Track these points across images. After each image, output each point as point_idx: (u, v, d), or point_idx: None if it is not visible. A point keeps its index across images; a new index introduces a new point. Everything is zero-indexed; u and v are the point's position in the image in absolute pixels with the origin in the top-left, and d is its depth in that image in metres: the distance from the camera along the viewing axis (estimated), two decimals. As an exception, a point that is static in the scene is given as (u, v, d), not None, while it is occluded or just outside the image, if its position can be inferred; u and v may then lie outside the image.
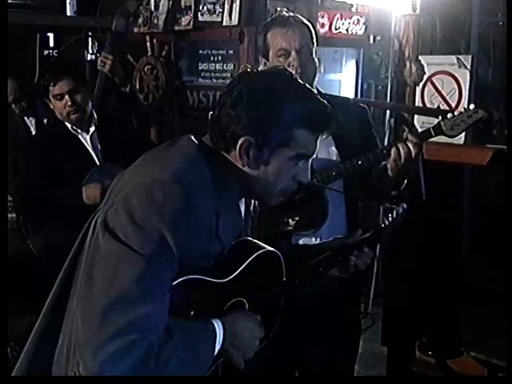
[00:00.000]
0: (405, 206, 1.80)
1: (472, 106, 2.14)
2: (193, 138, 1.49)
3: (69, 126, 3.01)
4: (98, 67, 3.39)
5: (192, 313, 1.42)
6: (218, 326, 1.43)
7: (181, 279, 1.37)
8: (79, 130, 3.01)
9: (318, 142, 1.50)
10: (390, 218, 1.80)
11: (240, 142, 1.42)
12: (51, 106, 3.03)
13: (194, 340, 1.38)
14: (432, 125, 2.20)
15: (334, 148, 2.30)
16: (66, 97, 2.93)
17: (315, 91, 1.51)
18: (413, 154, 2.12)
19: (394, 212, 1.80)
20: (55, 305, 1.52)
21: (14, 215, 3.48)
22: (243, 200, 1.60)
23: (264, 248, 1.60)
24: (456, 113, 2.15)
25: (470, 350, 3.05)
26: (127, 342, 1.25)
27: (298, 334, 2.33)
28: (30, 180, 2.98)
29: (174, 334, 1.33)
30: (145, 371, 1.28)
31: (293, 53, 2.23)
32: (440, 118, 2.16)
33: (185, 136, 1.50)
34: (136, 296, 1.28)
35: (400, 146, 2.12)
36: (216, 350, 1.42)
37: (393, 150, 2.12)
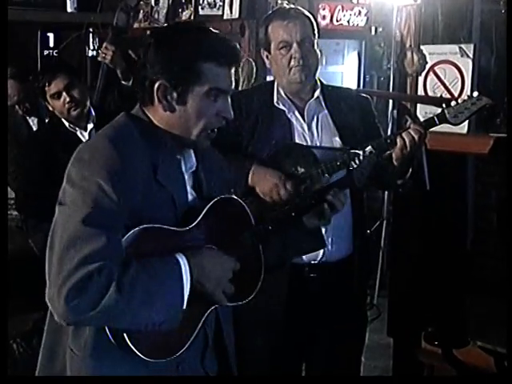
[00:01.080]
0: (371, 148, 1.91)
1: (476, 94, 2.14)
2: (125, 112, 1.61)
3: (66, 124, 3.01)
4: (100, 58, 3.39)
5: None
6: (180, 257, 1.47)
7: (137, 228, 1.44)
8: (77, 128, 3.01)
9: (232, 77, 1.56)
10: (357, 161, 1.87)
11: (155, 87, 1.52)
12: (50, 108, 3.03)
13: (157, 270, 1.43)
14: (436, 113, 2.20)
15: (337, 138, 2.31)
16: (64, 94, 2.93)
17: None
18: (417, 143, 2.12)
19: (361, 155, 1.90)
20: None
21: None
22: (191, 156, 1.63)
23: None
24: (460, 100, 2.15)
25: (477, 339, 3.04)
26: (84, 274, 1.34)
27: (305, 326, 2.34)
28: (30, 178, 2.99)
29: (134, 264, 1.40)
30: (110, 300, 1.34)
31: (294, 45, 2.23)
32: (444, 106, 2.15)
33: None
34: (84, 235, 1.37)
35: (404, 135, 2.13)
36: (185, 281, 1.45)
37: (398, 139, 2.13)
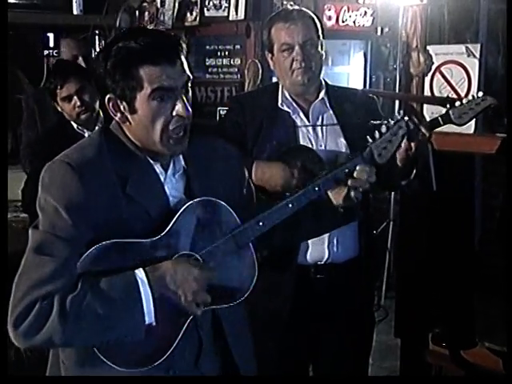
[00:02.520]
0: (393, 122, 1.76)
1: (480, 94, 2.13)
2: (105, 125, 1.63)
3: (75, 125, 3.02)
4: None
5: None
6: (139, 273, 1.45)
7: (94, 247, 1.44)
8: (85, 130, 3.02)
9: (179, 72, 1.50)
10: (377, 135, 1.76)
11: (106, 101, 1.53)
12: (59, 109, 3.03)
13: (111, 289, 1.43)
14: (440, 114, 2.19)
15: (342, 139, 2.30)
16: (75, 98, 2.94)
17: (158, 30, 1.62)
18: (421, 143, 2.11)
19: (383, 127, 1.76)
20: None
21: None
22: (179, 158, 1.60)
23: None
24: (464, 101, 2.13)
25: (485, 340, 3.03)
26: (30, 301, 1.39)
27: (311, 327, 2.34)
28: (37, 179, 2.99)
29: (85, 287, 1.41)
30: (53, 326, 1.37)
31: (296, 47, 2.23)
32: (448, 106, 2.15)
33: None
34: (34, 263, 1.42)
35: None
36: (143, 297, 1.43)
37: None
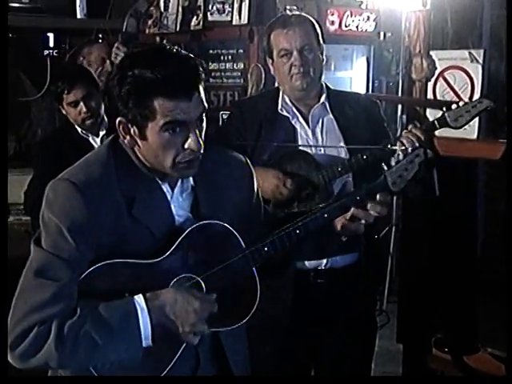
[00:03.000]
0: (410, 149, 1.69)
1: (476, 97, 2.13)
2: (115, 137, 1.58)
3: (79, 129, 3.02)
4: (112, 58, 3.40)
5: (127, 295, 1.46)
6: (139, 299, 1.44)
7: (94, 267, 1.43)
8: (89, 134, 3.03)
9: (195, 105, 1.46)
10: (393, 162, 1.65)
11: (116, 124, 1.50)
12: (64, 112, 3.04)
13: (110, 316, 1.42)
14: (436, 117, 2.20)
15: (342, 144, 2.30)
16: (81, 103, 2.94)
17: (178, 56, 1.49)
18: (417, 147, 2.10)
19: (400, 155, 1.66)
20: None
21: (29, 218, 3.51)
22: (187, 179, 1.59)
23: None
24: (460, 104, 2.14)
25: (487, 346, 3.02)
26: (27, 324, 1.38)
27: (312, 332, 2.33)
28: (41, 181, 3.00)
29: (83, 312, 1.41)
30: (49, 350, 1.38)
31: (294, 53, 2.24)
32: (444, 109, 2.15)
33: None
34: (33, 286, 1.41)
35: (404, 140, 2.12)
36: (141, 324, 1.43)
37: (398, 144, 2.12)
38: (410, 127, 2.17)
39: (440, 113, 3.10)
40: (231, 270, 1.56)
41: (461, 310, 3.20)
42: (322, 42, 2.31)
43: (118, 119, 1.49)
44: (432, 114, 3.43)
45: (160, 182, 1.55)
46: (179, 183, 1.58)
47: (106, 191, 1.48)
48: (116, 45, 3.38)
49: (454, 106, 2.13)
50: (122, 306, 1.43)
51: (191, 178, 1.60)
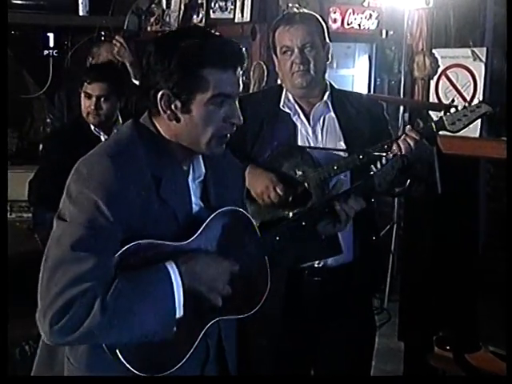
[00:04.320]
0: (396, 150, 1.84)
1: (476, 101, 2.13)
2: (135, 119, 1.58)
3: (92, 126, 3.03)
4: (114, 53, 3.40)
5: None
6: (169, 264, 1.45)
7: (129, 245, 1.43)
8: (101, 132, 3.03)
9: (238, 80, 1.52)
10: (379, 165, 1.79)
11: (159, 96, 1.49)
12: (81, 97, 3.04)
13: (144, 281, 1.42)
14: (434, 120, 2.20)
15: (342, 143, 2.30)
16: (93, 99, 2.96)
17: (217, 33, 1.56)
18: (414, 150, 2.10)
19: (383, 159, 1.80)
20: None
21: (31, 215, 3.51)
22: (200, 165, 1.62)
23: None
24: (459, 107, 2.13)
25: (489, 344, 3.02)
26: (69, 297, 1.35)
27: (307, 330, 2.33)
28: (47, 172, 3.02)
29: (121, 281, 1.39)
30: (93, 322, 1.35)
31: (295, 50, 2.25)
32: (442, 112, 2.15)
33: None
34: (73, 258, 1.38)
35: (401, 142, 2.11)
36: (175, 287, 1.43)
37: (394, 146, 2.11)
38: (407, 129, 2.17)
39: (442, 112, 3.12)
40: (247, 256, 1.61)
41: (462, 308, 3.20)
42: (327, 40, 2.31)
43: (161, 92, 1.48)
44: (435, 113, 3.43)
45: (185, 164, 1.58)
46: (191, 170, 1.61)
47: (138, 169, 1.48)
48: (116, 37, 3.37)
49: (452, 110, 2.13)
50: (154, 272, 1.43)
51: (203, 167, 1.62)
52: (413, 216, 3.55)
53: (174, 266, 1.44)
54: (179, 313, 1.44)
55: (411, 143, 2.10)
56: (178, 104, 1.49)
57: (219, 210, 1.57)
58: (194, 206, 1.59)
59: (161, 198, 1.50)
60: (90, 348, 1.48)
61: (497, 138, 3.01)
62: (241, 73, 1.53)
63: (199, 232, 1.53)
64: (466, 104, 2.14)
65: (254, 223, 1.66)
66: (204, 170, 1.62)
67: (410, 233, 3.64)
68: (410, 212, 3.61)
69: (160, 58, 1.48)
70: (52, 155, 3.04)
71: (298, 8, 2.48)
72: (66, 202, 1.45)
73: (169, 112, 1.50)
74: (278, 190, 2.18)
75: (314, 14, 2.36)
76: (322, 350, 2.39)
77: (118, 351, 1.42)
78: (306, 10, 2.44)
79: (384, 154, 1.87)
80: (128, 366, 1.43)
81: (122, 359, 1.43)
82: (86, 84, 2.98)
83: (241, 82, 1.55)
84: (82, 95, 3.01)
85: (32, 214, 3.37)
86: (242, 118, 1.56)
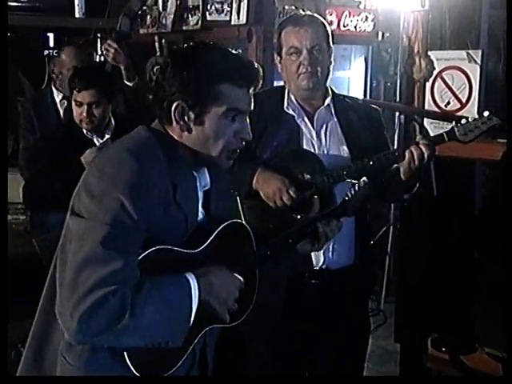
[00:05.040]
0: (366, 180, 1.88)
1: (486, 113, 2.16)
2: (147, 125, 1.60)
3: (84, 130, 3.02)
4: (103, 53, 3.39)
5: None
6: (190, 276, 1.47)
7: (151, 249, 1.44)
8: (94, 136, 3.03)
9: (251, 98, 1.58)
10: (353, 191, 1.87)
11: (173, 107, 1.53)
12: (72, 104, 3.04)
13: (167, 289, 1.43)
14: (445, 129, 2.23)
15: (345, 147, 2.31)
16: (85, 107, 2.95)
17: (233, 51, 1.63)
18: (426, 158, 2.12)
19: (356, 186, 1.88)
20: (47, 300, 1.57)
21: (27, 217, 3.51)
22: (205, 174, 1.65)
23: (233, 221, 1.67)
24: (470, 119, 2.16)
25: (484, 345, 3.03)
26: (99, 297, 1.34)
27: (305, 331, 2.34)
28: (41, 175, 3.02)
29: (147, 285, 1.40)
30: (121, 321, 1.35)
31: (304, 51, 2.25)
32: (454, 123, 2.17)
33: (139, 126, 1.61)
34: (101, 257, 1.36)
35: (413, 149, 2.13)
36: (194, 299, 1.46)
37: (407, 153, 2.13)
38: (418, 138, 2.19)
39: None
40: (246, 267, 1.66)
41: (458, 310, 3.21)
42: (331, 44, 2.32)
43: (176, 103, 1.51)
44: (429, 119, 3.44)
45: (195, 171, 1.60)
46: (203, 178, 1.63)
47: (159, 171, 1.49)
48: (108, 41, 3.36)
49: (463, 121, 2.16)
50: (176, 282, 1.45)
51: (208, 177, 1.65)
52: (409, 218, 3.55)
53: (194, 278, 1.47)
54: (190, 323, 1.46)
55: (424, 151, 2.12)
56: (192, 116, 1.53)
57: (227, 222, 1.62)
58: (199, 213, 1.62)
59: (177, 203, 1.52)
60: (91, 349, 1.48)
61: (493, 140, 3.02)
62: (251, 91, 1.58)
63: (208, 242, 1.57)
64: (477, 116, 2.17)
65: (252, 236, 1.71)
66: (209, 180, 1.65)
67: (406, 234, 3.65)
68: (407, 214, 3.61)
69: (177, 69, 1.52)
70: (44, 159, 3.03)
71: (293, 10, 2.49)
72: (85, 201, 1.43)
73: (182, 123, 1.54)
74: (291, 193, 2.18)
75: (319, 17, 2.37)
76: (318, 351, 2.40)
77: (125, 354, 1.44)
78: (311, 13, 2.45)
79: (357, 183, 1.92)
80: (131, 367, 1.44)
81: (128, 361, 1.44)
82: (75, 92, 2.96)
83: (252, 100, 1.59)
84: (73, 103, 2.99)
85: (29, 217, 3.37)
86: (251, 135, 1.61)
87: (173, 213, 1.51)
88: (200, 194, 1.62)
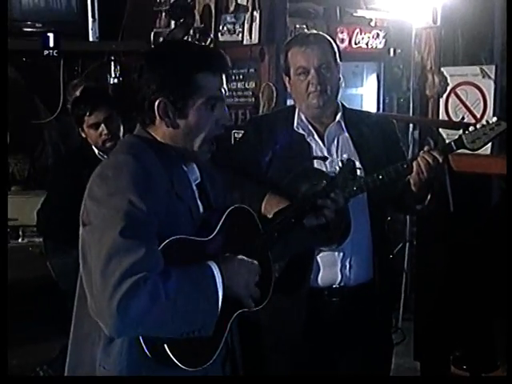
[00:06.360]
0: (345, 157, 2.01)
1: (494, 119, 2.12)
2: (129, 134, 1.67)
3: (96, 151, 3.04)
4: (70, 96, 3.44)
5: None
6: (212, 264, 1.51)
7: (166, 241, 1.47)
8: (106, 156, 3.04)
9: (224, 84, 1.63)
10: (341, 165, 2.03)
11: (155, 105, 1.56)
12: (83, 135, 3.05)
13: (195, 277, 1.47)
14: (453, 139, 2.19)
15: (357, 163, 2.29)
16: (102, 125, 2.97)
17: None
18: (433, 168, 2.09)
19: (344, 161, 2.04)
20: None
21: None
22: (195, 169, 1.69)
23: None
24: (478, 126, 2.12)
25: (506, 362, 2.98)
26: (130, 284, 1.35)
27: (326, 350, 2.31)
28: (55, 201, 3.03)
29: (174, 272, 1.43)
30: (158, 306, 1.37)
31: (312, 71, 2.25)
32: (462, 131, 2.14)
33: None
34: (123, 246, 1.38)
35: (420, 160, 2.10)
36: (219, 286, 1.48)
37: (414, 164, 2.11)
38: (426, 148, 2.16)
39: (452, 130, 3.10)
40: (254, 251, 1.70)
41: (479, 327, 3.17)
42: (339, 60, 2.32)
43: (158, 100, 1.55)
44: (445, 131, 3.43)
45: (184, 166, 1.64)
46: (192, 172, 1.67)
47: (158, 168, 1.53)
48: (72, 83, 3.45)
49: (471, 128, 2.11)
50: (200, 270, 1.49)
51: (197, 171, 1.69)
52: (426, 234, 3.53)
53: (216, 266, 1.51)
54: (219, 309, 1.49)
55: (430, 161, 2.09)
56: (175, 111, 1.57)
57: (231, 208, 1.67)
58: (199, 205, 1.66)
59: (177, 195, 1.56)
60: (127, 353, 1.49)
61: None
62: (224, 78, 1.63)
63: (217, 229, 1.60)
64: (484, 122, 2.12)
65: (257, 220, 1.79)
66: (199, 174, 1.70)
67: (423, 251, 3.62)
68: (423, 230, 3.59)
69: (154, 69, 1.57)
70: (58, 185, 3.05)
71: (304, 29, 2.49)
72: (92, 209, 1.46)
73: (166, 119, 1.58)
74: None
75: (325, 35, 2.37)
76: (339, 370, 2.37)
77: (166, 347, 1.45)
78: (317, 31, 2.46)
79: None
80: (176, 361, 1.46)
81: (171, 356, 1.46)
82: (86, 118, 2.97)
83: (226, 87, 1.64)
84: (87, 130, 3.00)
85: (43, 242, 3.37)
86: (230, 119, 1.68)
87: (177, 205, 1.55)
88: (194, 188, 1.66)
